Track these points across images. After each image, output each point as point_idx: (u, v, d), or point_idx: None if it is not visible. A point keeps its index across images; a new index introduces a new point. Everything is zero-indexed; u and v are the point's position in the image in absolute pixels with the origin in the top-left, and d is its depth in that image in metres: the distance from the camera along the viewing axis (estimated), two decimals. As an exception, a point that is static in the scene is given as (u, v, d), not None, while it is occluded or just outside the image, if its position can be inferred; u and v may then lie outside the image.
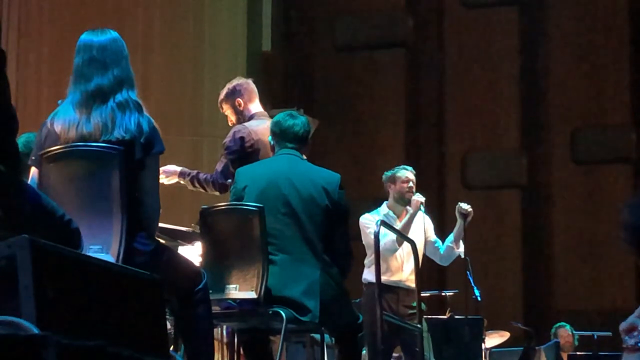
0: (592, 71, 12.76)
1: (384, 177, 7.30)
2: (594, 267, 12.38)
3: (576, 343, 10.57)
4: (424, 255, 7.24)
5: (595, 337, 10.27)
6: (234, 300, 4.72)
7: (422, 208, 7.09)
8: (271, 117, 5.55)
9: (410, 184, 7.17)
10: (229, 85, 6.13)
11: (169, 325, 4.28)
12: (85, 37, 4.09)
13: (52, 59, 10.40)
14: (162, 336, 2.98)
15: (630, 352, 3.02)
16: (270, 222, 4.69)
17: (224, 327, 5.77)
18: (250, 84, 6.14)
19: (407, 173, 7.22)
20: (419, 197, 7.08)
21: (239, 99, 6.07)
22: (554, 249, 12.69)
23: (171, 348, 4.25)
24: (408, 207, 7.17)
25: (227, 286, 4.69)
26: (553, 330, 10.69)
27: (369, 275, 7.01)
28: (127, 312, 2.77)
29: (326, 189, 4.83)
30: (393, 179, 7.23)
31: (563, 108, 12.85)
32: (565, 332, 10.58)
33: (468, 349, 7.79)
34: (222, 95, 6.15)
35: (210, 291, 4.22)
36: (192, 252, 5.49)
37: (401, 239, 6.85)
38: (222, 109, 6.17)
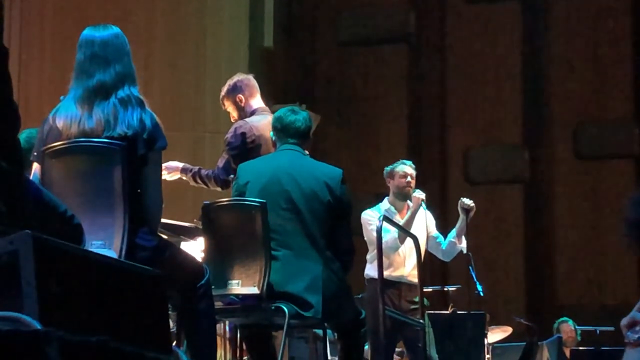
0: (594, 66, 12.76)
1: (384, 172, 7.32)
2: (597, 262, 12.38)
3: (579, 338, 10.56)
4: (426, 251, 7.24)
5: (598, 332, 10.27)
6: (237, 295, 4.73)
7: (424, 205, 7.08)
8: (273, 112, 5.55)
9: (409, 178, 7.16)
10: (230, 82, 6.14)
11: (171, 322, 4.29)
12: (87, 32, 4.09)
13: (55, 54, 10.40)
14: (165, 332, 2.98)
15: (632, 347, 3.02)
16: (272, 217, 4.69)
17: (227, 322, 5.77)
18: (251, 80, 6.14)
19: (405, 167, 7.21)
20: (419, 194, 7.07)
21: (240, 95, 6.07)
22: (556, 244, 12.69)
23: (174, 343, 4.25)
24: (409, 202, 7.17)
25: (230, 282, 4.69)
26: (556, 325, 10.69)
27: (371, 270, 7.01)
28: (130, 307, 2.77)
29: (328, 185, 4.83)
30: (392, 174, 7.24)
31: (565, 103, 12.85)
32: (568, 328, 10.57)
33: (471, 344, 7.79)
34: (223, 92, 6.15)
35: (213, 287, 4.22)
36: (195, 248, 5.49)
37: (403, 236, 6.85)
38: (224, 105, 6.18)
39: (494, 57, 13.03)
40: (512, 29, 13.04)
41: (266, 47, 11.90)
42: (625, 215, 3.10)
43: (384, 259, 6.59)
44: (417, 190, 7.13)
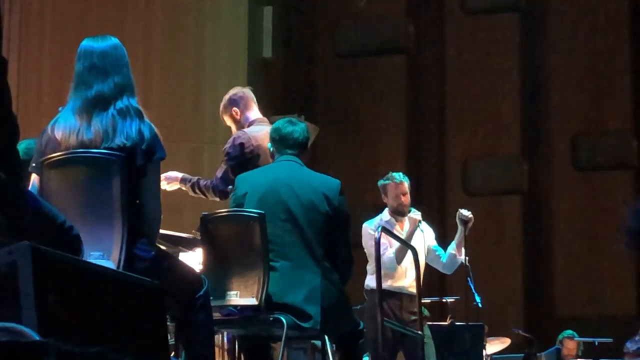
0: (592, 77, 12.77)
1: (378, 185, 7.30)
2: (595, 273, 12.37)
3: (580, 354, 10.46)
4: (426, 263, 7.23)
5: (597, 343, 10.23)
6: (235, 306, 4.72)
7: (420, 226, 7.09)
8: (272, 123, 5.56)
9: (401, 197, 7.13)
10: (226, 97, 6.20)
11: (169, 333, 4.28)
12: (85, 43, 4.10)
13: (53, 65, 10.40)
14: (163, 343, 2.98)
15: (631, 358, 3.03)
16: (270, 228, 4.69)
17: (225, 333, 5.76)
18: (246, 92, 6.18)
19: (396, 187, 7.14)
20: (416, 215, 7.07)
21: (235, 109, 6.12)
22: (554, 255, 12.68)
23: (172, 354, 4.24)
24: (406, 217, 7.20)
25: (228, 293, 4.69)
26: (560, 337, 10.58)
27: (371, 281, 7.00)
28: (128, 318, 2.77)
29: (326, 195, 4.83)
30: (385, 191, 7.23)
31: (564, 114, 12.85)
32: (572, 344, 10.40)
33: (469, 355, 7.78)
34: (221, 108, 6.22)
35: (211, 298, 4.22)
36: (193, 259, 5.49)
37: (400, 256, 6.87)
38: (224, 121, 6.24)
39: (493, 68, 13.04)
40: (511, 39, 13.05)
41: (265, 58, 11.92)
42: (626, 224, 3.10)
43: (384, 270, 6.58)
44: (414, 210, 7.11)
